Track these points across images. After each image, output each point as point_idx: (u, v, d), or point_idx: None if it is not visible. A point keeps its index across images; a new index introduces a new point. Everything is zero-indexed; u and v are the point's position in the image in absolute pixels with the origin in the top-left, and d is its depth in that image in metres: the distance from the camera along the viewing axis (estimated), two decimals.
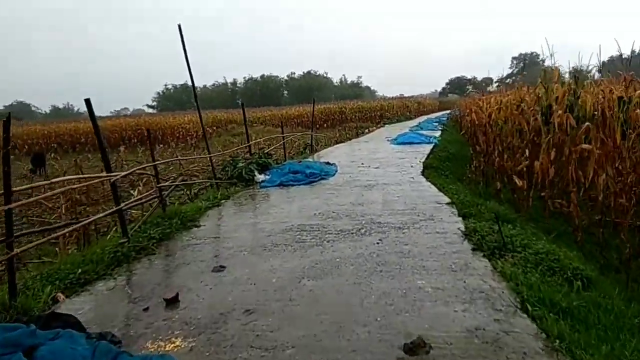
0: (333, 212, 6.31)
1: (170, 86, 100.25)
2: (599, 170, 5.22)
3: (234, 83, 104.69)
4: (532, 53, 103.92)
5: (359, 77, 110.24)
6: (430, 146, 14.94)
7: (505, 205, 6.55)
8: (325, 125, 36.35)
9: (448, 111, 46.75)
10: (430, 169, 10.25)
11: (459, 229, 5.11)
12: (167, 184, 6.86)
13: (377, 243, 4.80)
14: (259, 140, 15.38)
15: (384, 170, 10.09)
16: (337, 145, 17.35)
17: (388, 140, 17.76)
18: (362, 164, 11.44)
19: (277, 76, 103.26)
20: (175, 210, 6.50)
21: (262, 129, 34.11)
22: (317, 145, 18.47)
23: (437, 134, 19.94)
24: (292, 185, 8.84)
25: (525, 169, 7.00)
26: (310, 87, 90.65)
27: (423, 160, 11.63)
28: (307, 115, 36.23)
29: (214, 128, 34.76)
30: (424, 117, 36.99)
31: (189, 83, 7.63)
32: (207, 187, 9.06)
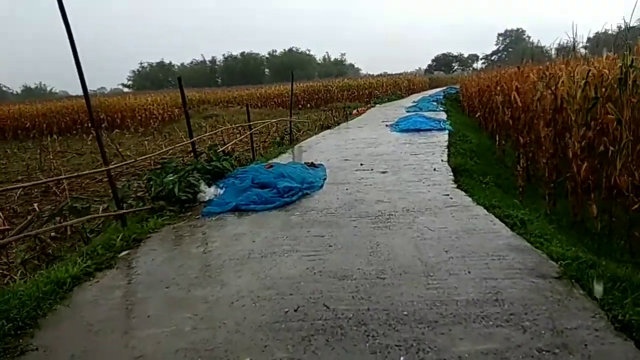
0: (325, 307, 2.95)
1: (145, 64, 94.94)
2: None
3: (213, 61, 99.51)
4: (518, 29, 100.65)
5: (343, 54, 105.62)
6: (444, 134, 11.60)
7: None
8: (308, 105, 32.67)
9: (440, 89, 43.37)
10: (463, 175, 6.91)
11: None
12: None
13: None
14: (218, 129, 11.79)
15: (396, 178, 6.73)
16: (324, 133, 13.82)
17: (387, 125, 14.31)
18: (361, 164, 8.05)
19: (257, 54, 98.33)
20: None
21: (238, 110, 30.33)
22: (299, 131, 14.95)
23: (443, 115, 16.57)
24: (255, 210, 5.43)
25: None
26: (292, 64, 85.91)
27: (445, 157, 8.32)
28: (289, 94, 32.40)
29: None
30: (419, 96, 33.42)
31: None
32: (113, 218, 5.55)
